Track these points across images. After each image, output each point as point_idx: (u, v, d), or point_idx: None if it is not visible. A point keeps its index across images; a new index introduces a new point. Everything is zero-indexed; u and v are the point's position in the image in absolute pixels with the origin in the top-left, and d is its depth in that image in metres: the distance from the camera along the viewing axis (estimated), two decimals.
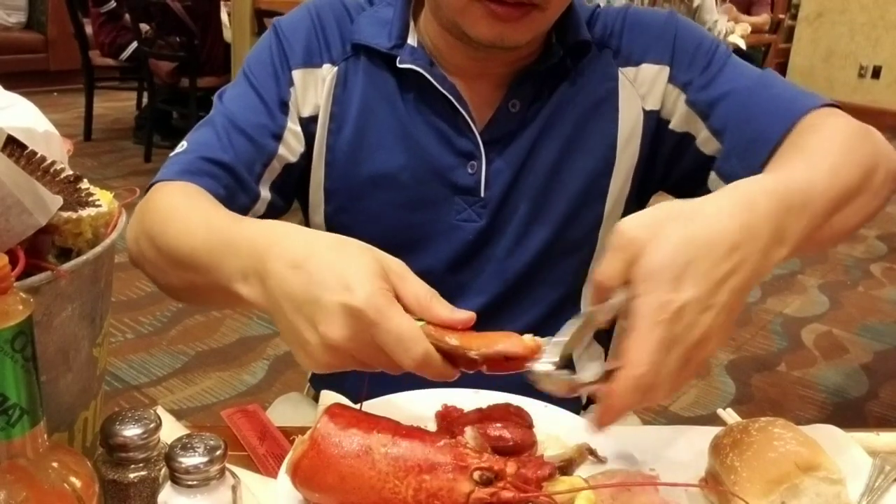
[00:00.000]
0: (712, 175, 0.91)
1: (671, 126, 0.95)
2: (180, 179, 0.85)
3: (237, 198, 0.88)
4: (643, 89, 0.95)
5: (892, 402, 2.57)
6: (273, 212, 0.94)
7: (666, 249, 0.57)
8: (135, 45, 4.46)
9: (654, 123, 0.95)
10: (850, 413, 2.48)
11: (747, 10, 6.09)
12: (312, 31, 0.95)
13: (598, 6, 0.99)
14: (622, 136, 0.95)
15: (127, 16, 4.41)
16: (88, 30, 4.68)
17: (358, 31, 0.95)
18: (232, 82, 0.97)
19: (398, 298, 0.59)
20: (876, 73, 6.91)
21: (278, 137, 0.92)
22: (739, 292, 0.59)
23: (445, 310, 0.60)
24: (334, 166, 0.95)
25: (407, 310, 0.58)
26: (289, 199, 0.98)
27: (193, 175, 0.86)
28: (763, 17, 6.13)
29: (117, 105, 5.62)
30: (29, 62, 5.87)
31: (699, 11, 5.17)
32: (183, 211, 0.79)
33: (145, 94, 4.78)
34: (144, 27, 4.38)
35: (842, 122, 0.82)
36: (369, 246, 0.62)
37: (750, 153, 0.85)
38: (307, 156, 0.95)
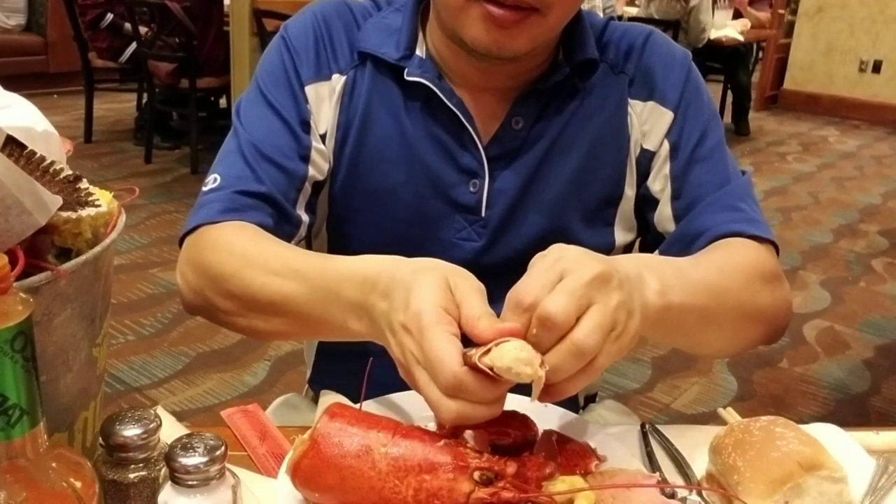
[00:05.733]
0: (656, 253, 0.92)
1: (648, 182, 0.93)
2: (227, 218, 0.82)
3: (282, 227, 0.86)
4: (646, 126, 0.92)
5: (894, 397, 2.57)
6: (309, 231, 0.93)
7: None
8: (134, 46, 4.46)
9: (646, 164, 0.93)
10: (853, 409, 2.48)
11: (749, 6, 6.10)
12: (320, 41, 0.92)
13: (612, 19, 0.95)
14: (629, 167, 0.93)
15: (127, 24, 4.41)
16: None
17: (365, 39, 0.92)
18: (246, 94, 0.93)
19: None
20: (876, 67, 6.90)
21: (306, 159, 0.89)
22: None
23: (488, 328, 0.58)
24: (336, 176, 0.93)
25: (462, 329, 0.59)
26: (317, 212, 0.95)
27: (239, 212, 0.83)
28: (765, 14, 6.13)
29: (117, 107, 5.62)
30: (28, 64, 5.87)
31: (695, 12, 5.16)
32: (254, 255, 0.77)
33: (145, 96, 4.79)
34: (143, 29, 4.38)
35: (760, 260, 0.83)
36: (446, 264, 0.64)
37: (688, 248, 0.86)
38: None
